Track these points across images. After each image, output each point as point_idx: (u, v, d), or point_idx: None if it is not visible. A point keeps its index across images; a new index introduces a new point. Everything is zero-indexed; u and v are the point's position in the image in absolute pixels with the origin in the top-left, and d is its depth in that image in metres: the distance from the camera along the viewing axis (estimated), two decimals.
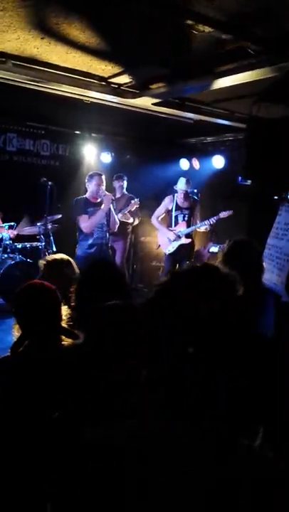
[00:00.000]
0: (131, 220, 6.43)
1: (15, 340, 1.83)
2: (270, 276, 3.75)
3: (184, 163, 6.88)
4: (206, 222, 5.76)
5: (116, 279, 1.90)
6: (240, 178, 5.37)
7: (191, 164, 6.80)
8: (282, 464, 0.81)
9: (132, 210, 6.35)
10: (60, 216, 6.25)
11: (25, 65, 3.63)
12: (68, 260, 2.79)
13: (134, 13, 2.64)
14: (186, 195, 5.94)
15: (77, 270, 2.69)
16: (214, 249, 3.10)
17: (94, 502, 0.84)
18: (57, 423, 1.30)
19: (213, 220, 5.73)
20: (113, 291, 1.63)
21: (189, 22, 2.61)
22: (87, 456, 0.88)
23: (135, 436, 0.86)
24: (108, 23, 2.82)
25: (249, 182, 5.28)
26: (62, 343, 1.82)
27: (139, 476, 0.81)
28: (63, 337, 1.84)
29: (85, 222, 4.76)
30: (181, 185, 5.89)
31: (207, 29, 2.68)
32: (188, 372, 0.82)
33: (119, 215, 5.86)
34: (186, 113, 4.89)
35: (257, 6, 2.48)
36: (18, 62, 3.59)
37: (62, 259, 2.78)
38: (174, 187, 5.99)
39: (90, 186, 4.87)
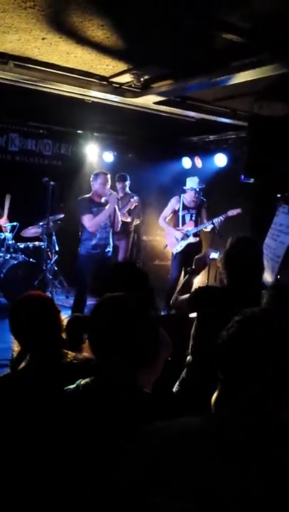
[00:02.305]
0: (129, 220, 6.39)
1: (15, 356, 1.73)
2: (264, 276, 3.78)
3: (186, 162, 6.86)
4: (215, 220, 5.61)
5: (139, 278, 2.00)
6: (242, 176, 5.34)
7: (193, 163, 6.78)
8: None
9: (132, 208, 6.32)
10: (62, 216, 6.27)
11: (27, 65, 3.63)
12: None
13: (142, 13, 2.62)
14: (197, 195, 5.82)
15: None
16: (214, 255, 3.08)
17: None
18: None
19: (221, 219, 5.57)
20: (136, 290, 1.68)
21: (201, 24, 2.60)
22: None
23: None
24: (112, 23, 2.80)
25: (252, 180, 5.26)
26: (67, 355, 1.69)
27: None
28: (67, 351, 1.71)
29: (90, 222, 4.76)
30: (193, 184, 5.79)
31: (221, 33, 2.67)
32: None
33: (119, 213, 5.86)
34: (188, 111, 4.87)
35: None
36: (20, 63, 3.59)
37: None
38: (184, 187, 5.88)
39: (95, 185, 4.86)
